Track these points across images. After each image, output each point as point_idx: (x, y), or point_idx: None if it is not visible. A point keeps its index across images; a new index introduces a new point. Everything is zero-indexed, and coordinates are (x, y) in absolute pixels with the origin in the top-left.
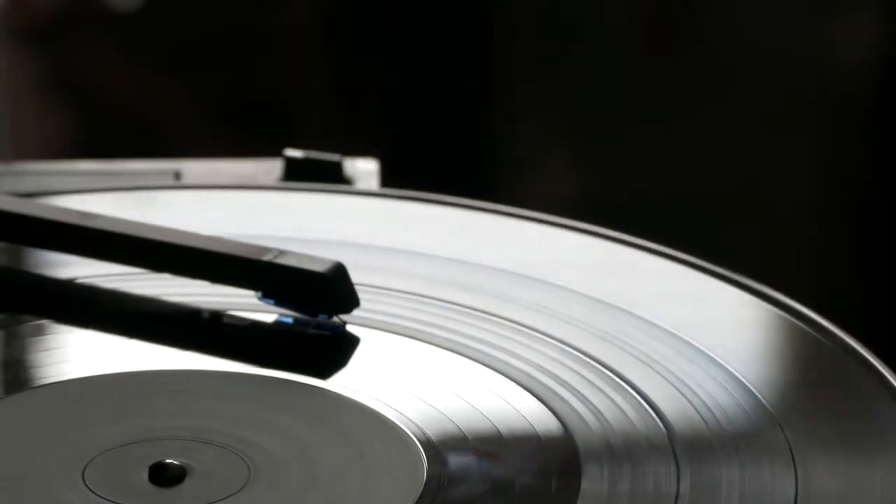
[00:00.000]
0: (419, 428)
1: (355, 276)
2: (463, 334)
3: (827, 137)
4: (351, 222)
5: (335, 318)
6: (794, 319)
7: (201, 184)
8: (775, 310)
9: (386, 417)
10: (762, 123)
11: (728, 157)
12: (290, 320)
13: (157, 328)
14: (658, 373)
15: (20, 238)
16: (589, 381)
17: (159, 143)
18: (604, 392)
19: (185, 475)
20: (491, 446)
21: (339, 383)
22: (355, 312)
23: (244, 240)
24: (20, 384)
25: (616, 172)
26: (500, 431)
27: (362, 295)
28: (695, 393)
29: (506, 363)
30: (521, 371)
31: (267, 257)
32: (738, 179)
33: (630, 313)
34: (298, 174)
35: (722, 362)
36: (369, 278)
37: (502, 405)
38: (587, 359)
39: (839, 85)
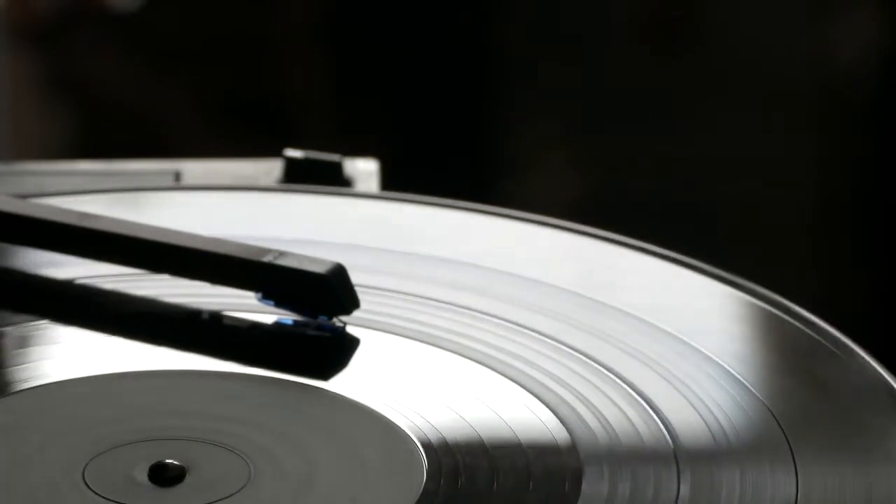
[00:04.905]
0: (419, 429)
1: (355, 278)
2: (463, 335)
3: (827, 137)
4: (351, 223)
5: (335, 320)
6: (793, 321)
7: (201, 184)
8: (775, 311)
9: (386, 418)
10: (762, 123)
11: (728, 157)
12: (290, 321)
13: (157, 329)
14: (658, 374)
15: (20, 239)
16: (589, 381)
17: (159, 143)
18: (604, 393)
19: (185, 475)
20: (491, 447)
21: (338, 384)
22: (355, 313)
23: (244, 241)
24: (19, 384)
25: (616, 172)
26: (500, 432)
27: (362, 296)
28: (695, 394)
29: (506, 364)
30: (521, 372)
31: (267, 258)
32: (738, 179)
33: (631, 315)
34: (298, 174)
35: (722, 363)
36: (369, 279)
37: (502, 406)
38: (587, 360)
39: (839, 85)
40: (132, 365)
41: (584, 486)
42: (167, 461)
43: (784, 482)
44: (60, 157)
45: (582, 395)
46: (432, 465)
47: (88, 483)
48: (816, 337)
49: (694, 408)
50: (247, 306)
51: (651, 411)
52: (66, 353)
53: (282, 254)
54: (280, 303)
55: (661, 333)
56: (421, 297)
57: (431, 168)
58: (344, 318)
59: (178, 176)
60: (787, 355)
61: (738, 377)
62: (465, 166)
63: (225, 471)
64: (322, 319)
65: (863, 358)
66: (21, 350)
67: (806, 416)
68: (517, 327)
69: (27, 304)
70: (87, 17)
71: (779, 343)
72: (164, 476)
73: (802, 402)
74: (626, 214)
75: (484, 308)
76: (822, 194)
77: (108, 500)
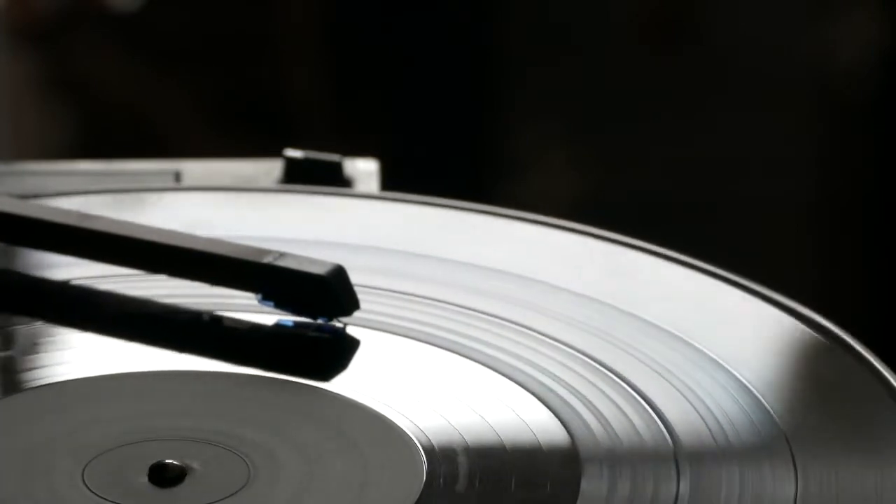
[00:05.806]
0: (419, 429)
1: (355, 278)
2: (463, 335)
3: (827, 137)
4: (351, 224)
5: (335, 322)
6: (793, 320)
7: (201, 185)
8: (775, 310)
9: (386, 418)
10: (762, 123)
11: (728, 157)
12: (290, 323)
13: (156, 330)
14: (659, 374)
15: (19, 239)
16: (590, 382)
17: (159, 143)
18: (605, 394)
19: (185, 475)
20: (491, 448)
21: (339, 385)
22: (355, 314)
23: (244, 242)
24: (20, 384)
25: (616, 172)
26: (500, 433)
27: (362, 297)
28: (695, 394)
29: (506, 364)
30: (522, 372)
31: (267, 259)
32: (738, 179)
33: (631, 315)
34: (298, 175)
35: (722, 363)
36: (369, 280)
37: (503, 406)
38: (589, 360)
39: (839, 85)
40: (132, 365)
41: (583, 485)
42: (167, 461)
43: (784, 482)
44: (60, 157)
45: (581, 394)
46: (432, 465)
47: (88, 483)
48: (817, 336)
49: (694, 407)
50: (247, 307)
51: (650, 410)
52: (66, 354)
53: (282, 255)
54: (280, 304)
55: (662, 332)
56: (421, 297)
57: (431, 168)
58: (344, 318)
59: (178, 176)
60: (787, 354)
61: (738, 377)
62: (465, 166)
63: (225, 471)
64: (322, 321)
65: (863, 357)
66: (21, 351)
67: (806, 415)
68: (517, 327)
69: (27, 305)
70: (87, 17)
71: (779, 342)
72: (164, 476)
73: (802, 401)
74: (626, 214)
75: (484, 308)
76: (822, 194)
77: (108, 500)
